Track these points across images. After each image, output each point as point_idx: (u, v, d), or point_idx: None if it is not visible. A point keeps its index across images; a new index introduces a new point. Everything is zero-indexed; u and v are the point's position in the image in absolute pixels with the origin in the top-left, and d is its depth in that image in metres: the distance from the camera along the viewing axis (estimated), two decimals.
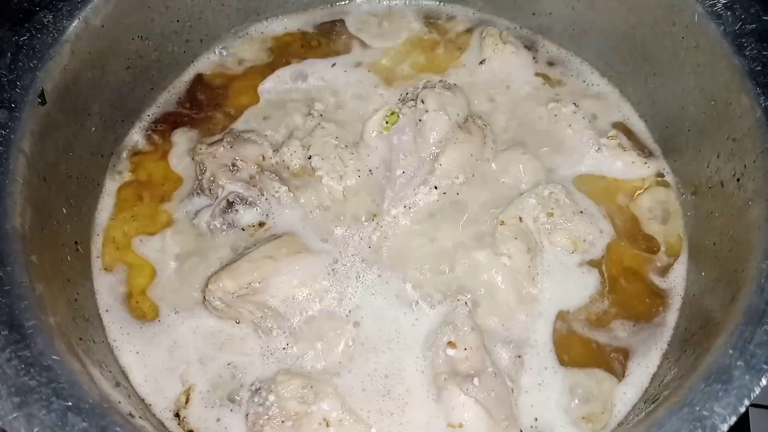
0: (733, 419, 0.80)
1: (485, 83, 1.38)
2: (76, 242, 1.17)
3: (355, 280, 1.16)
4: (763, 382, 0.82)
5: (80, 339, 1.02)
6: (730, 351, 0.86)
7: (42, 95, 1.07)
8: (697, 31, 1.14)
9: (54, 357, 0.87)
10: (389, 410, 1.07)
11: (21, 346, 0.87)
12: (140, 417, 0.95)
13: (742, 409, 0.80)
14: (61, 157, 1.14)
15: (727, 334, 0.88)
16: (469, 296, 1.15)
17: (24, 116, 1.04)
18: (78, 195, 1.19)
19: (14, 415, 0.81)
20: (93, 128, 1.23)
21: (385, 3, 1.50)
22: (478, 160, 1.25)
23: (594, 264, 1.20)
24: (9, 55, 1.06)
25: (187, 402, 1.08)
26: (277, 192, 1.23)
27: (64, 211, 1.14)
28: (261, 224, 1.21)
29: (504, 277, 1.16)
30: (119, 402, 0.92)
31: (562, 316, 1.15)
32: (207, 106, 1.37)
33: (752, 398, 0.81)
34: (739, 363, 0.84)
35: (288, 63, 1.42)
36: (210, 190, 1.23)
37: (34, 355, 0.87)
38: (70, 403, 0.83)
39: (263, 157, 1.26)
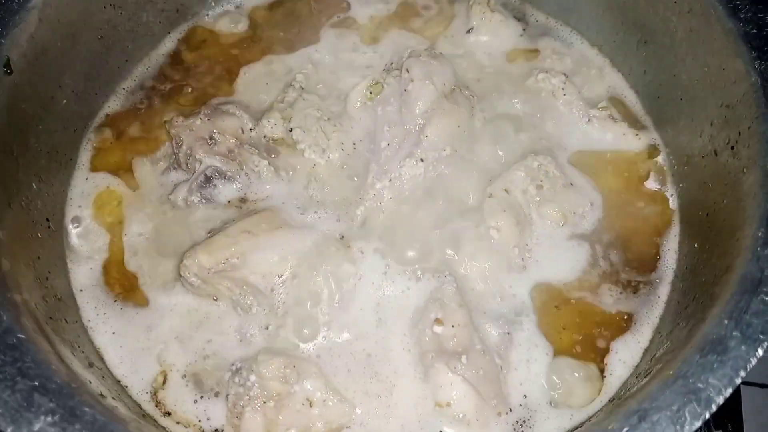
0: (729, 391, 0.77)
1: (472, 52, 1.35)
2: (47, 219, 1.13)
3: (338, 256, 1.12)
4: (760, 352, 0.79)
5: (50, 318, 0.98)
6: (726, 321, 0.83)
7: (8, 64, 1.03)
8: None
9: (20, 335, 0.83)
10: (375, 389, 1.04)
11: None
12: (113, 398, 0.91)
13: (738, 381, 0.77)
14: (30, 131, 1.10)
15: (722, 304, 0.85)
16: (456, 272, 1.12)
17: None
18: (49, 170, 1.15)
19: None
20: (64, 101, 1.19)
21: None
22: (465, 132, 1.22)
23: (584, 237, 1.17)
24: None
25: (164, 383, 1.04)
26: (256, 166, 1.19)
27: (35, 186, 1.10)
28: (240, 199, 1.18)
29: (492, 250, 1.13)
30: (90, 382, 0.88)
31: (551, 290, 1.12)
32: (184, 78, 1.33)
33: (748, 369, 0.78)
34: (734, 333, 0.81)
35: (268, 33, 1.38)
36: (187, 164, 1.19)
37: None
38: (36, 383, 0.80)
39: (242, 130, 1.22)
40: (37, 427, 0.76)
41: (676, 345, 0.92)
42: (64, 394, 0.80)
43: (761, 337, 0.80)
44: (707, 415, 0.76)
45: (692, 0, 1.10)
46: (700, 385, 0.78)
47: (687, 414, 0.76)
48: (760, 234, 0.88)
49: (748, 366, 0.78)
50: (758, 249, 0.87)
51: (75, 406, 0.79)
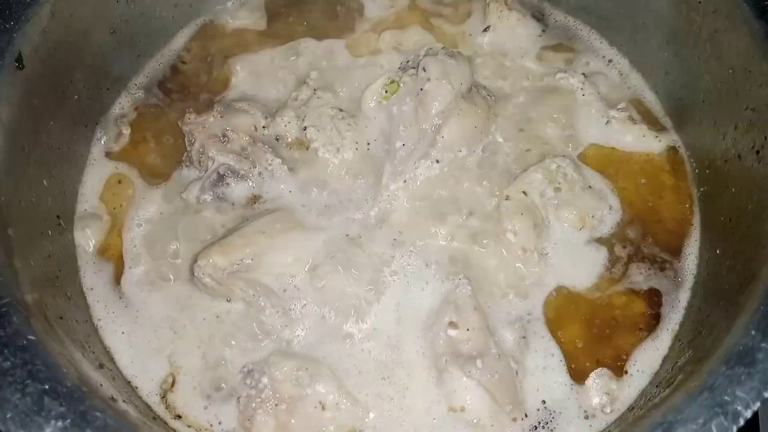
0: (758, 405, 0.75)
1: (490, 51, 1.33)
2: (58, 216, 1.11)
3: (352, 257, 1.10)
4: None
5: (60, 318, 0.96)
6: (753, 332, 0.80)
7: (20, 59, 1.01)
8: None
9: (30, 337, 0.82)
10: (387, 392, 1.03)
11: None
12: (124, 401, 0.90)
13: (767, 394, 0.75)
14: (41, 127, 1.08)
15: (748, 314, 0.83)
16: (471, 274, 1.10)
17: (0, 81, 0.98)
18: (60, 167, 1.14)
19: None
20: (76, 96, 1.17)
21: None
22: (482, 133, 1.20)
23: (602, 242, 1.15)
24: None
25: (173, 385, 1.03)
26: (270, 165, 1.17)
27: (45, 183, 1.09)
28: (253, 198, 1.16)
29: (509, 254, 1.11)
30: (101, 385, 0.87)
31: (568, 294, 1.11)
32: (197, 74, 1.31)
33: None
34: (762, 345, 0.79)
35: (283, 28, 1.36)
36: (199, 162, 1.17)
37: (9, 334, 0.81)
38: (46, 387, 0.78)
39: (255, 128, 1.20)
40: (47, 431, 0.75)
41: (700, 354, 0.90)
42: (75, 397, 0.78)
43: None
44: (735, 430, 0.74)
45: (718, 0, 1.08)
46: (727, 398, 0.76)
47: (714, 428, 0.74)
48: None
49: None
50: None
51: (86, 411, 0.78)
